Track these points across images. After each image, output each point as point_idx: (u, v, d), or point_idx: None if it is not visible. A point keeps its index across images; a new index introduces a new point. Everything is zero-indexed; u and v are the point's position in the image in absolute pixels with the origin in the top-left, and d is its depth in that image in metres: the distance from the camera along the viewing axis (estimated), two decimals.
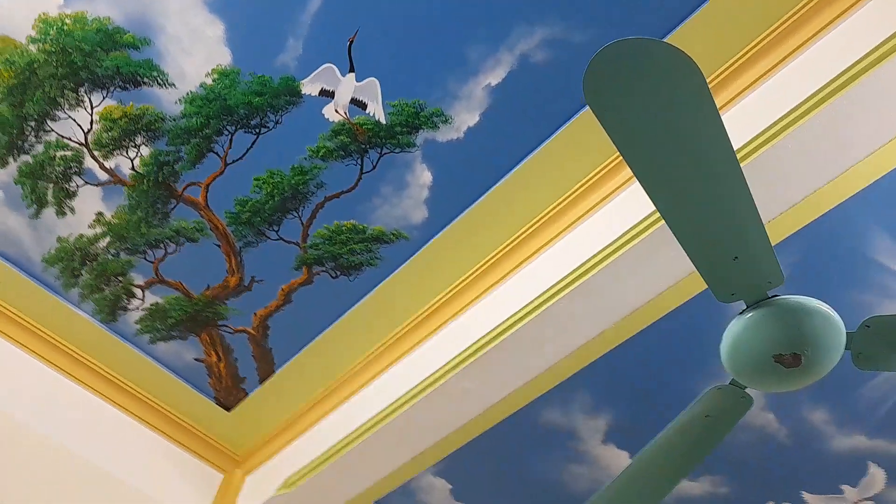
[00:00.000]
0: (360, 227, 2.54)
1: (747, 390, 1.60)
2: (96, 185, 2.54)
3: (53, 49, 2.21)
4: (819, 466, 2.92)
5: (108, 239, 2.67)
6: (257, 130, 2.37)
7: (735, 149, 1.37)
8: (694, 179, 1.29)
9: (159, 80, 2.29)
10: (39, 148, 2.45)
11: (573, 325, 2.29)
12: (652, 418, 2.87)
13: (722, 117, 1.23)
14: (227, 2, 2.14)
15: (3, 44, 2.23)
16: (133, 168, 2.49)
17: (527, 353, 2.36)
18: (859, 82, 1.84)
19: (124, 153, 2.46)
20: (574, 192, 2.40)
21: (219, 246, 2.65)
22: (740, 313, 1.50)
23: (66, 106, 2.37)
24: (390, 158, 2.37)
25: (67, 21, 2.17)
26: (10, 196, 2.57)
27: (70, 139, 2.44)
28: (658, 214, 2.10)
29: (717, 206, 1.32)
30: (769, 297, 1.47)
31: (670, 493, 2.99)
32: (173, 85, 2.30)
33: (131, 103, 2.35)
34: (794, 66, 2.06)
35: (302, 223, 2.55)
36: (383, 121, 2.30)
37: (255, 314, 2.83)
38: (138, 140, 2.43)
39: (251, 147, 2.40)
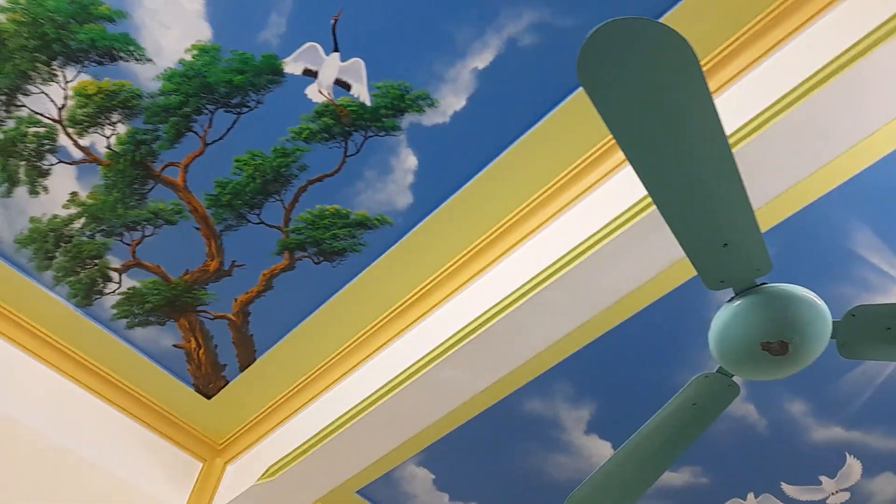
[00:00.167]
0: (344, 211, 2.49)
1: (734, 378, 1.59)
2: (70, 164, 2.47)
3: (24, 19, 2.13)
4: (798, 457, 2.95)
5: (83, 220, 2.59)
6: (238, 110, 2.31)
7: None
8: (686, 164, 1.26)
9: (136, 55, 2.22)
10: (10, 123, 2.37)
11: (557, 315, 2.27)
12: (634, 409, 2.87)
13: None
14: None
15: None
16: (109, 146, 2.41)
17: (511, 343, 2.33)
18: (843, 74, 1.83)
19: (100, 131, 2.39)
20: (559, 180, 2.37)
21: (198, 229, 2.59)
22: (728, 301, 1.48)
23: (39, 80, 2.29)
24: (375, 142, 2.33)
25: None
26: None
27: (43, 115, 2.37)
28: (642, 204, 2.09)
29: (709, 191, 1.30)
30: (757, 285, 1.45)
31: (652, 486, 3.00)
32: (151, 60, 2.23)
33: (107, 79, 2.27)
34: (779, 58, 2.04)
35: (284, 207, 2.50)
36: (368, 103, 2.25)
37: (235, 300, 2.78)
38: (114, 117, 2.35)
39: (232, 127, 2.34)
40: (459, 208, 2.43)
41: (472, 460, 3.14)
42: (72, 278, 2.76)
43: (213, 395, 3.08)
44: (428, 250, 2.54)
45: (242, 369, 2.97)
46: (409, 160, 2.35)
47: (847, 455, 2.89)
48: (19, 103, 2.33)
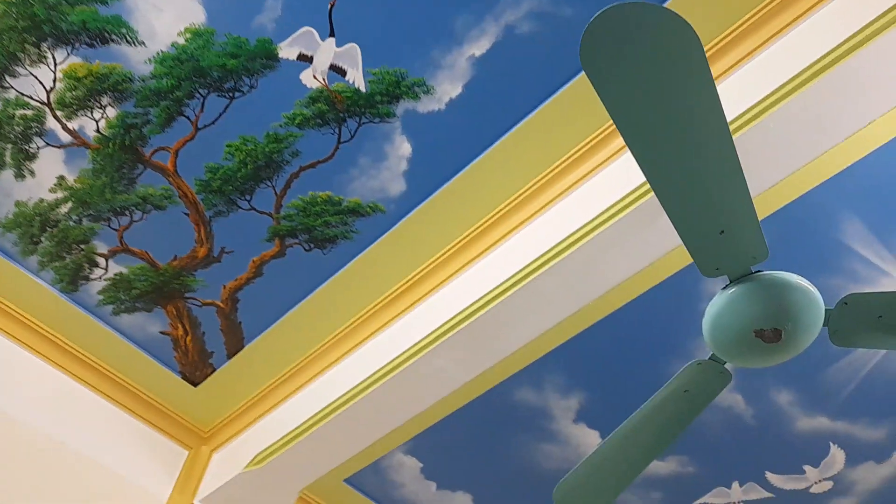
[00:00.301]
0: (336, 198, 2.48)
1: (726, 366, 1.61)
2: (58, 147, 2.43)
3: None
4: (783, 447, 2.99)
5: (70, 204, 2.55)
6: (231, 94, 2.28)
7: None
8: (686, 150, 1.27)
9: (128, 38, 2.18)
10: None
11: (549, 304, 2.28)
12: (623, 399, 2.89)
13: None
14: None
15: None
16: (98, 130, 2.38)
17: (502, 332, 2.34)
18: (840, 65, 1.85)
19: (89, 114, 2.35)
20: (553, 170, 2.38)
21: (187, 214, 2.56)
22: (723, 288, 1.49)
23: (27, 62, 2.24)
24: (369, 128, 2.31)
25: None
26: None
27: (31, 97, 2.32)
28: (635, 195, 2.10)
29: (708, 177, 1.30)
30: (752, 273, 1.47)
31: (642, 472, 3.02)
32: (143, 43, 2.19)
33: (97, 61, 2.24)
34: (776, 48, 2.06)
35: (275, 193, 2.48)
36: (363, 89, 2.23)
37: (224, 287, 2.75)
38: (104, 101, 2.32)
39: (224, 112, 2.32)
40: (453, 197, 2.43)
41: (461, 449, 3.15)
42: (57, 263, 2.72)
43: (199, 383, 3.05)
44: (420, 238, 2.53)
45: (230, 357, 2.95)
46: (404, 147, 2.34)
47: (831, 444, 2.94)
48: (6, 85, 2.29)
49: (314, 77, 2.24)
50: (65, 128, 2.39)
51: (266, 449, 2.76)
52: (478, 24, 2.10)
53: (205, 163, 2.43)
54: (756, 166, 1.98)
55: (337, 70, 2.22)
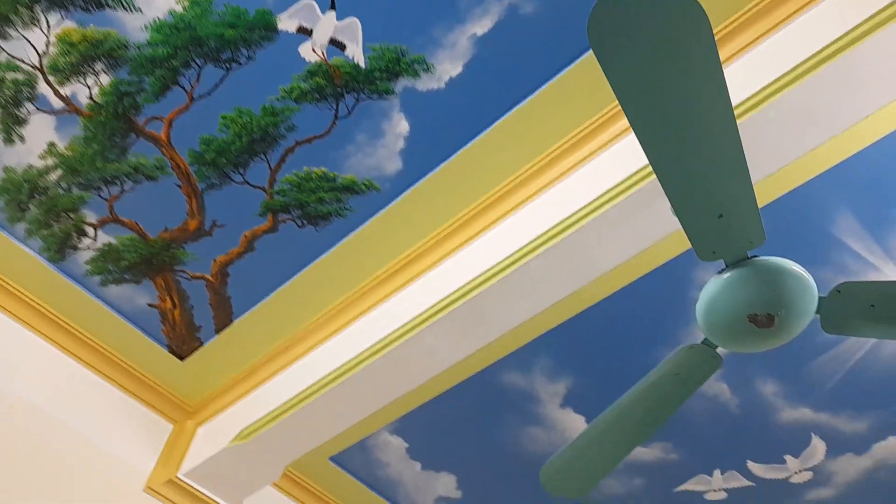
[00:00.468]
0: (331, 175, 2.46)
1: (718, 350, 1.62)
2: (50, 113, 2.39)
3: None
4: (765, 436, 3.03)
5: (59, 172, 2.51)
6: (228, 65, 2.25)
7: None
8: (690, 131, 1.27)
9: (124, 4, 2.14)
10: None
11: (542, 287, 2.28)
12: (611, 385, 2.91)
13: None
14: None
15: None
16: (91, 97, 2.34)
17: (494, 313, 2.34)
18: (841, 57, 1.85)
19: (82, 80, 2.31)
20: (550, 153, 2.37)
21: (179, 186, 2.53)
22: (719, 272, 1.50)
23: (20, 24, 2.19)
24: (367, 105, 2.29)
25: None
26: None
27: (22, 61, 2.28)
28: (632, 180, 2.10)
29: (709, 160, 1.30)
30: (748, 258, 1.48)
31: (624, 459, 3.04)
32: (139, 10, 2.15)
33: (92, 26, 2.19)
34: (779, 37, 2.06)
35: (270, 167, 2.46)
36: (362, 65, 2.21)
37: (214, 260, 2.73)
38: (98, 67, 2.27)
39: (220, 83, 2.28)
40: (448, 177, 2.42)
41: (447, 430, 3.17)
42: (45, 232, 2.68)
43: (186, 357, 3.03)
44: (414, 218, 2.52)
45: (218, 331, 2.93)
46: (401, 125, 2.32)
47: (813, 435, 2.98)
48: None
49: (313, 51, 2.21)
50: (57, 93, 2.34)
51: (252, 424, 2.76)
52: (480, 2, 2.08)
53: (199, 134, 2.40)
54: (753, 155, 1.98)
55: (336, 44, 2.19)
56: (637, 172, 2.09)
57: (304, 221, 2.58)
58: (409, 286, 2.57)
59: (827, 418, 2.93)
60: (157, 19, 2.17)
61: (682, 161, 1.30)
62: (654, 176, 2.05)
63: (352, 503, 3.56)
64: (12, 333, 2.75)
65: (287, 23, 2.16)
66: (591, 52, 2.17)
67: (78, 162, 2.48)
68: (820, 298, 1.51)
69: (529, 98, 2.26)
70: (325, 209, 2.54)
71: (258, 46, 2.21)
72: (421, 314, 2.38)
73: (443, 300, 2.34)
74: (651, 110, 1.24)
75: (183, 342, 2.99)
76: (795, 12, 2.06)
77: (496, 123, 2.30)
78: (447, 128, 2.32)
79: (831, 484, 3.18)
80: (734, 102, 1.95)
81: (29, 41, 2.23)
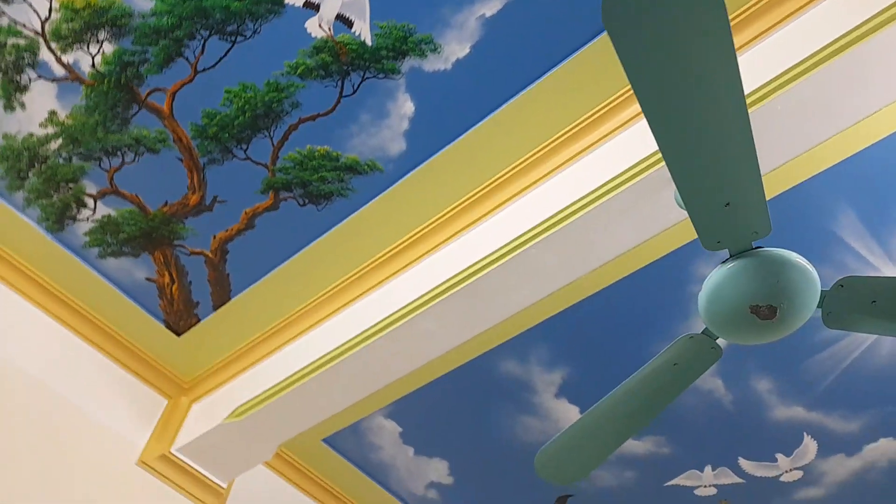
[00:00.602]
0: (334, 154, 2.44)
1: (718, 341, 1.61)
2: (51, 81, 2.36)
3: None
4: (758, 434, 3.03)
5: (60, 141, 2.49)
6: (233, 38, 2.22)
7: None
8: (701, 117, 1.25)
9: None
10: None
11: (543, 273, 2.27)
12: (606, 377, 2.91)
13: None
14: None
15: None
16: (93, 66, 2.31)
17: (493, 299, 2.33)
18: (851, 51, 1.84)
19: (85, 48, 2.28)
20: (556, 139, 2.35)
21: (181, 160, 2.51)
22: (723, 262, 1.49)
23: None
24: (372, 84, 2.27)
25: None
26: None
27: (25, 26, 2.25)
28: (637, 168, 2.09)
29: (719, 148, 1.29)
30: (753, 248, 1.46)
31: (615, 452, 3.04)
32: None
33: None
34: (789, 30, 2.04)
35: (272, 144, 2.44)
36: (369, 42, 2.19)
37: (214, 236, 2.71)
38: (101, 35, 2.25)
39: (225, 56, 2.26)
40: (452, 160, 2.40)
41: (441, 416, 3.16)
42: (44, 201, 2.66)
43: (183, 333, 3.02)
44: (417, 201, 2.51)
45: (216, 308, 2.92)
46: (406, 106, 2.30)
47: (805, 435, 2.99)
48: None
49: (319, 26, 2.18)
50: (59, 61, 2.32)
51: (247, 402, 2.75)
52: None
53: (202, 108, 2.38)
54: (759, 147, 1.97)
55: (344, 21, 2.17)
56: (640, 162, 2.08)
57: (306, 200, 2.56)
58: (409, 269, 2.56)
59: (820, 418, 2.93)
60: None
61: (692, 147, 1.28)
62: (657, 166, 2.04)
63: (343, 486, 3.56)
64: (8, 302, 2.74)
65: None
66: (598, 38, 2.15)
67: (79, 131, 2.46)
68: (822, 292, 1.50)
69: (536, 83, 2.24)
70: (326, 188, 2.52)
71: (264, 20, 2.18)
72: (420, 297, 2.37)
73: (442, 284, 2.33)
74: (663, 94, 1.22)
75: (180, 318, 2.98)
76: (807, 4, 2.04)
77: (502, 108, 2.29)
78: (452, 110, 2.30)
79: (821, 484, 3.19)
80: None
81: (31, 6, 2.21)
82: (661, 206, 2.10)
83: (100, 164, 2.55)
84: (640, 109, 2.22)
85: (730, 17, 2.13)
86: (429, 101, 2.29)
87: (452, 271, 2.35)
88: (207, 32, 2.22)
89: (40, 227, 2.72)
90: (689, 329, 2.68)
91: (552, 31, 2.13)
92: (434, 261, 2.48)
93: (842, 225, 2.41)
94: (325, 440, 3.32)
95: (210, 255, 2.76)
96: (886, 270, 2.49)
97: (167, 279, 2.85)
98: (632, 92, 2.24)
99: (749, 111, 1.93)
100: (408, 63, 2.22)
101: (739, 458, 3.16)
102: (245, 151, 2.47)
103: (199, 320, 2.96)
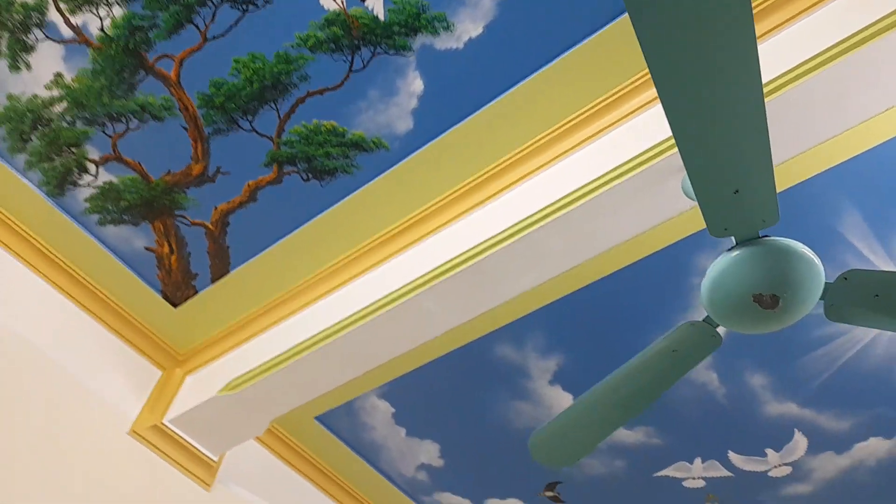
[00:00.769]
0: (340, 129, 2.42)
1: (718, 329, 1.62)
2: (58, 42, 2.34)
3: None
4: (749, 428, 3.05)
5: (64, 104, 2.47)
6: (244, 7, 2.20)
7: None
8: (717, 102, 1.24)
9: None
10: None
11: (546, 258, 2.27)
12: (601, 365, 2.89)
13: None
14: None
15: None
16: (102, 29, 2.29)
17: (495, 281, 2.33)
18: (866, 47, 1.83)
19: (94, 10, 2.25)
20: (564, 124, 2.35)
21: (186, 129, 2.49)
22: (728, 250, 1.49)
23: None
24: (383, 60, 2.26)
25: None
26: None
27: None
28: (645, 156, 2.08)
29: (733, 134, 1.29)
30: (759, 237, 1.47)
31: (606, 440, 3.06)
32: None
33: None
34: (804, 25, 2.03)
35: (279, 116, 2.42)
36: (382, 17, 2.17)
37: (215, 208, 2.70)
38: None
39: (235, 24, 2.24)
40: (459, 141, 2.39)
41: (435, 398, 3.17)
42: (46, 165, 2.64)
43: (179, 304, 3.02)
44: (421, 180, 2.50)
45: (214, 281, 2.91)
46: (416, 84, 2.29)
47: (795, 431, 3.01)
48: None
49: None
50: (67, 22, 2.29)
51: (241, 376, 2.75)
52: None
53: (209, 77, 2.36)
54: (773, 139, 1.97)
55: None
56: (648, 150, 2.08)
57: (310, 175, 2.55)
58: (411, 249, 2.56)
59: (811, 415, 2.95)
60: None
61: (706, 131, 1.28)
62: (664, 155, 2.04)
63: (334, 464, 3.57)
64: (4, 264, 2.72)
65: None
66: (609, 25, 2.14)
67: (84, 95, 2.44)
68: (826, 284, 1.50)
69: (547, 66, 2.23)
70: (331, 164, 2.51)
71: None
72: (421, 277, 2.37)
73: (445, 264, 2.33)
74: (681, 76, 1.21)
75: (177, 289, 2.97)
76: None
77: (511, 90, 2.28)
78: (462, 90, 2.29)
79: (809, 480, 3.22)
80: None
81: None
82: (668, 195, 2.10)
83: (103, 130, 2.53)
84: (649, 98, 2.22)
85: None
86: (439, 80, 2.28)
87: (454, 252, 2.35)
88: (218, 0, 2.20)
89: (41, 190, 2.70)
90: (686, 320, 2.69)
91: (566, 15, 2.12)
92: (436, 241, 2.47)
93: (845, 223, 2.42)
94: (317, 418, 3.32)
95: (210, 226, 2.75)
96: None
97: (166, 249, 2.84)
98: (642, 80, 2.24)
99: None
100: (419, 40, 2.20)
101: (729, 451, 3.18)
102: (251, 123, 2.45)
103: (196, 292, 2.96)
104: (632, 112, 2.23)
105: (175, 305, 3.02)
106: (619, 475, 3.34)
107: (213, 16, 2.23)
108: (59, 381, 2.69)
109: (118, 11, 2.24)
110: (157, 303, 3.01)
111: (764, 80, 1.93)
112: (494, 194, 2.40)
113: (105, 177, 2.65)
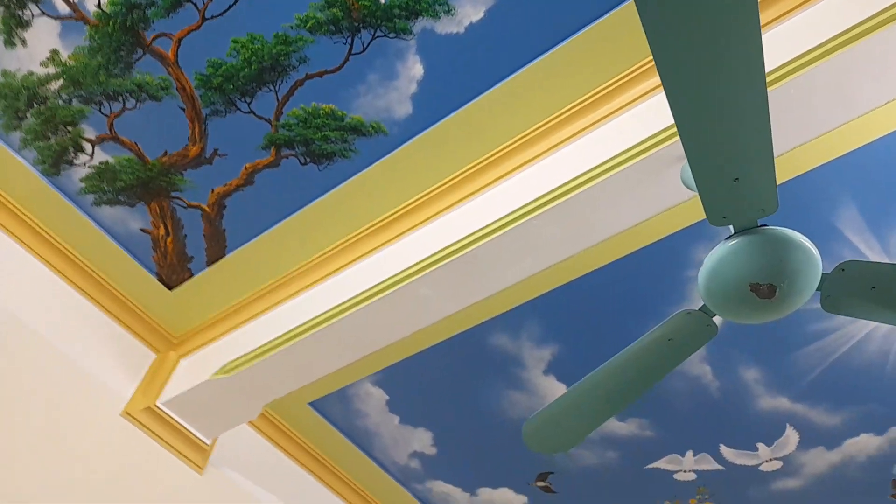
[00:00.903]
0: (339, 113, 2.41)
1: (714, 319, 1.61)
2: (55, 19, 2.31)
3: None
4: (741, 422, 3.06)
5: (60, 82, 2.45)
6: None
7: None
8: (719, 89, 1.24)
9: None
10: None
11: (543, 246, 2.26)
12: (595, 356, 2.90)
13: None
14: None
15: None
16: (99, 5, 2.26)
17: (493, 268, 2.32)
18: (868, 38, 1.82)
19: None
20: (565, 111, 2.34)
21: (183, 110, 2.47)
22: (726, 238, 1.49)
23: None
24: (383, 43, 2.24)
25: None
26: None
27: None
28: (644, 146, 2.07)
29: (734, 121, 1.28)
30: (758, 226, 1.46)
31: (597, 430, 3.07)
32: None
33: None
34: (806, 15, 2.02)
35: (277, 99, 2.40)
36: None
37: (212, 190, 2.68)
38: None
39: (234, 4, 2.22)
40: (458, 127, 2.38)
41: (429, 386, 3.17)
42: (41, 143, 2.62)
43: (175, 287, 3.00)
44: (420, 166, 2.49)
45: (210, 264, 2.90)
46: (416, 68, 2.27)
47: (787, 426, 3.02)
48: None
49: None
50: None
51: (236, 359, 2.74)
52: None
53: (207, 57, 2.34)
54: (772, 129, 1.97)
55: None
56: (648, 139, 2.07)
57: (307, 159, 2.54)
58: (409, 234, 2.55)
59: (803, 410, 2.96)
60: None
61: (707, 118, 1.27)
62: (663, 144, 2.03)
63: (327, 450, 3.57)
64: None
65: None
66: (610, 13, 2.13)
67: (80, 73, 2.42)
68: (823, 275, 1.50)
69: (548, 53, 2.22)
70: (329, 148, 2.49)
71: None
72: (418, 263, 2.36)
73: (441, 251, 2.32)
74: (685, 63, 1.20)
75: (173, 271, 2.96)
76: None
77: (512, 76, 2.26)
78: (462, 75, 2.28)
79: (800, 475, 3.23)
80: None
81: None
82: (666, 185, 2.10)
83: (100, 109, 2.51)
84: (649, 87, 2.21)
85: None
86: (439, 65, 2.26)
87: (452, 239, 2.34)
88: None
89: (35, 169, 2.68)
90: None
91: (568, 1, 2.11)
92: (434, 228, 2.46)
93: (842, 218, 2.42)
94: (311, 404, 3.32)
95: (207, 209, 2.74)
96: None
97: (162, 231, 2.82)
98: (642, 69, 2.23)
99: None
100: (420, 24, 2.19)
101: (721, 445, 3.19)
102: (249, 105, 2.43)
103: (191, 275, 2.94)
104: (631, 101, 2.22)
105: (170, 288, 3.01)
106: (611, 466, 3.34)
107: None
108: (52, 361, 2.68)
109: None
110: (152, 285, 3.00)
111: (767, 70, 1.93)
112: (493, 181, 2.39)
113: (101, 157, 2.63)
